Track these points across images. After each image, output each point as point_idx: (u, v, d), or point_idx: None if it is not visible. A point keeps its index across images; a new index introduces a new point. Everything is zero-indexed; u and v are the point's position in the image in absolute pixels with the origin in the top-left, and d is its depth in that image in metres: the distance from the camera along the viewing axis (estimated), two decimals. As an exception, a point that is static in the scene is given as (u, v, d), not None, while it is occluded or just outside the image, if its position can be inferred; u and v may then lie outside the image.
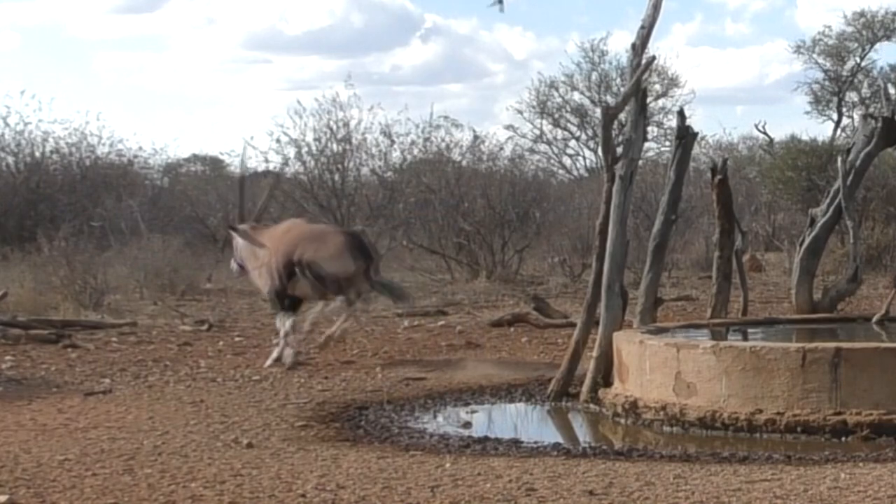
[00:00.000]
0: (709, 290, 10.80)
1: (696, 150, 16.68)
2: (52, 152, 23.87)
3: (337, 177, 20.44)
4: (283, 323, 10.83)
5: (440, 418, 8.53)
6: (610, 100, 31.69)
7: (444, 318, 14.20)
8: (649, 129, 25.71)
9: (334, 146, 20.61)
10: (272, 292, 10.99)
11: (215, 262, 18.76)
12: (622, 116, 11.06)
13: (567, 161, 37.33)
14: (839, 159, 11.80)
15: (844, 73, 36.13)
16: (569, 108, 36.88)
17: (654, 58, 11.26)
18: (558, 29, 59.30)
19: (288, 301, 10.90)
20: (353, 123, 20.81)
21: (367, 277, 10.76)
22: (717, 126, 77.96)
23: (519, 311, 13.91)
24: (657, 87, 34.83)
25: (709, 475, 6.24)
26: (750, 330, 10.01)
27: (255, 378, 9.91)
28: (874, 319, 10.10)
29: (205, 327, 13.07)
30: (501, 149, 24.14)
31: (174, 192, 25.51)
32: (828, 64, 36.13)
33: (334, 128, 20.66)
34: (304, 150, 20.68)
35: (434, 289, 17.69)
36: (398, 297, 11.37)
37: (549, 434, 8.26)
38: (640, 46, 9.40)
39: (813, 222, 11.73)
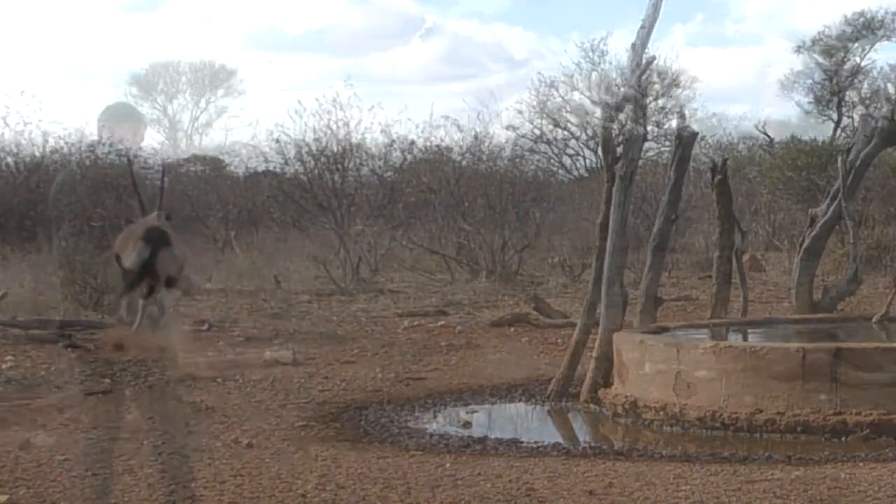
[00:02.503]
0: (709, 290, 10.80)
1: (696, 150, 16.64)
2: (52, 152, 23.86)
3: (337, 177, 20.42)
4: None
5: (440, 418, 8.53)
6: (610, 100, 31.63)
7: (444, 318, 14.18)
8: (649, 129, 25.68)
9: (334, 146, 20.61)
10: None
11: (215, 262, 18.74)
12: (622, 116, 11.04)
13: (567, 161, 37.33)
14: (839, 159, 11.79)
15: (844, 73, 36.14)
16: (569, 108, 36.87)
17: (654, 58, 11.24)
18: (558, 29, 59.40)
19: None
20: (353, 123, 20.82)
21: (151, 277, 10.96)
22: (717, 126, 77.91)
23: (519, 311, 13.90)
24: (657, 87, 34.81)
25: (709, 475, 6.24)
26: (750, 330, 10.01)
27: (255, 378, 9.90)
28: (874, 319, 10.09)
29: (205, 327, 13.05)
30: (502, 149, 24.16)
31: (174, 192, 25.48)
32: (828, 64, 36.14)
33: (334, 128, 20.67)
34: (304, 150, 20.67)
35: (434, 289, 17.66)
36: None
37: (549, 434, 8.26)
38: (640, 46, 9.41)
39: (813, 222, 11.72)
